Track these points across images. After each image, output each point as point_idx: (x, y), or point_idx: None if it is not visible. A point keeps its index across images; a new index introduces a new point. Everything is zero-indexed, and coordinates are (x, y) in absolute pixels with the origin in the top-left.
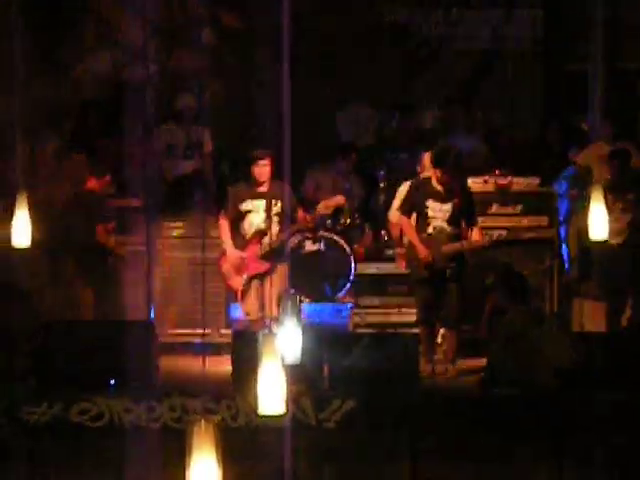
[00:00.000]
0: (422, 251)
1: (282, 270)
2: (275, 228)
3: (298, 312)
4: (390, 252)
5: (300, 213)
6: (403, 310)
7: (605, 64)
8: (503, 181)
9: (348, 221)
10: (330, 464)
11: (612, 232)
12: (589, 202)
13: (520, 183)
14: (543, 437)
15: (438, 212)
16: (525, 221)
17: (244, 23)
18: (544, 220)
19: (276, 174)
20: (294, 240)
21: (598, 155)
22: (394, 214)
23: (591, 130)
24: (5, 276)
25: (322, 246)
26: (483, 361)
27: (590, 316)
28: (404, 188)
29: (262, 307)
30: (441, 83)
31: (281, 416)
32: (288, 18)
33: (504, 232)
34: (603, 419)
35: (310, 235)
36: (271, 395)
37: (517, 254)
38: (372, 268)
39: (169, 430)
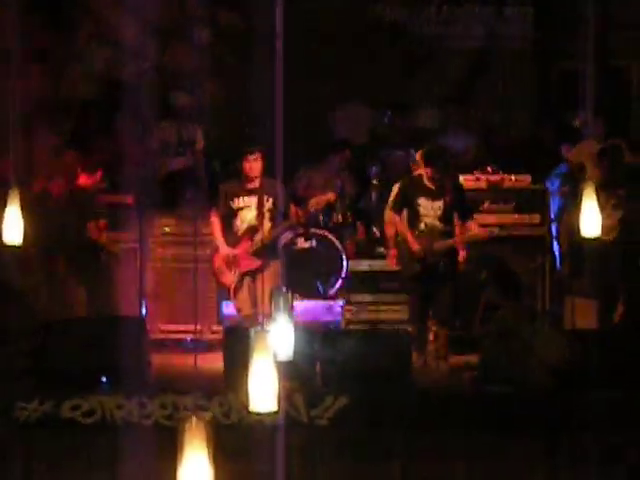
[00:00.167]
0: (414, 245)
1: (274, 267)
2: (267, 225)
3: (290, 309)
4: (382, 249)
5: (292, 209)
6: (395, 307)
7: (597, 61)
8: (495, 178)
9: (340, 218)
10: (322, 462)
11: (603, 229)
12: (581, 199)
13: (512, 180)
14: (536, 435)
15: (429, 209)
16: (517, 218)
17: (242, 22)
18: (536, 217)
19: (268, 171)
20: (286, 237)
21: (590, 152)
22: (388, 212)
23: (583, 127)
24: None
25: (314, 243)
26: (475, 358)
27: (581, 313)
28: (397, 186)
29: (254, 304)
30: (435, 82)
31: (273, 413)
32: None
33: (496, 229)
34: (596, 416)
35: (302, 232)
36: (263, 392)
37: (509, 251)
38: (364, 265)
39: (161, 427)
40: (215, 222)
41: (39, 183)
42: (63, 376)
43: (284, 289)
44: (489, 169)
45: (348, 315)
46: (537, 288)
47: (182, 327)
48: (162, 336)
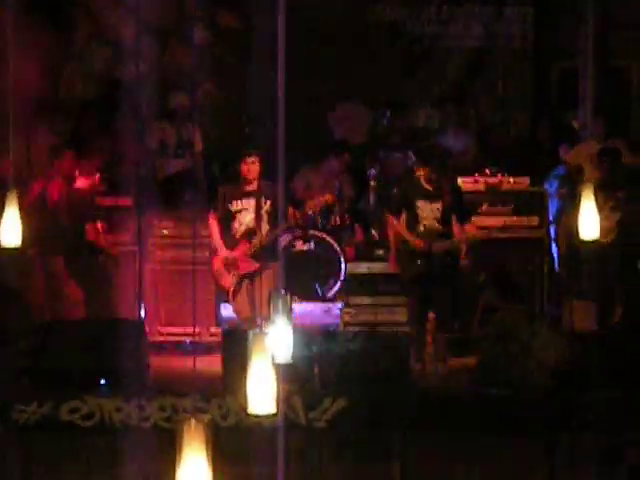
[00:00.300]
0: (417, 242)
1: (272, 269)
2: (265, 227)
3: (289, 311)
4: (380, 252)
5: (290, 211)
6: (393, 309)
7: (596, 62)
8: (493, 180)
9: (338, 220)
10: (321, 464)
11: (602, 231)
12: (579, 201)
13: (510, 182)
14: (535, 436)
15: (428, 211)
16: (515, 220)
17: (242, 22)
18: (534, 219)
19: (267, 172)
20: (285, 239)
21: (588, 153)
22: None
23: (582, 128)
24: None
25: (312, 245)
26: (474, 360)
27: (580, 315)
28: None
29: (253, 306)
30: (434, 82)
31: (272, 415)
32: (282, 17)
33: (494, 231)
34: (594, 418)
35: (300, 234)
36: (261, 394)
37: (507, 253)
38: (362, 267)
39: (159, 429)
40: (213, 224)
41: (37, 184)
42: (61, 378)
43: (283, 291)
44: (487, 171)
45: (347, 317)
46: (535, 290)
47: (181, 329)
48: (161, 338)
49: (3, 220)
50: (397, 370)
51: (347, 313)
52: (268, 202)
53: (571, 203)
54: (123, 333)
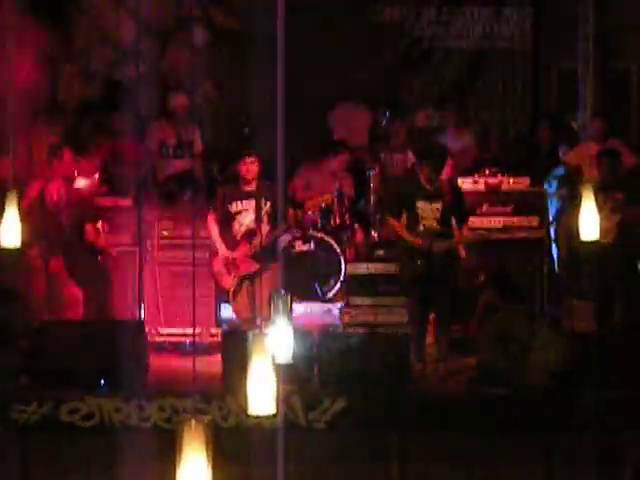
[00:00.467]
0: (417, 241)
1: (273, 270)
2: (265, 228)
3: (289, 312)
4: (380, 252)
5: (290, 211)
6: (393, 310)
7: (596, 62)
8: (493, 181)
9: (338, 221)
10: (320, 464)
11: (601, 231)
12: (579, 202)
13: (510, 183)
14: (534, 436)
15: (428, 212)
16: (515, 221)
17: (241, 23)
18: (534, 220)
19: (267, 172)
20: (285, 240)
21: (588, 154)
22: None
23: (581, 129)
24: None
25: (312, 246)
26: (474, 360)
27: (580, 315)
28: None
29: (253, 307)
30: (434, 82)
31: (271, 416)
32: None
33: (494, 232)
34: (594, 418)
35: (300, 235)
36: (261, 395)
37: (507, 254)
38: (362, 268)
39: (159, 430)
40: (213, 225)
41: (37, 184)
42: (61, 378)
43: (283, 292)
44: (487, 172)
45: (347, 318)
46: (535, 290)
47: (181, 330)
48: (161, 339)
49: (3, 220)
50: (397, 370)
51: (347, 313)
52: (268, 203)
53: (571, 204)
54: (123, 334)
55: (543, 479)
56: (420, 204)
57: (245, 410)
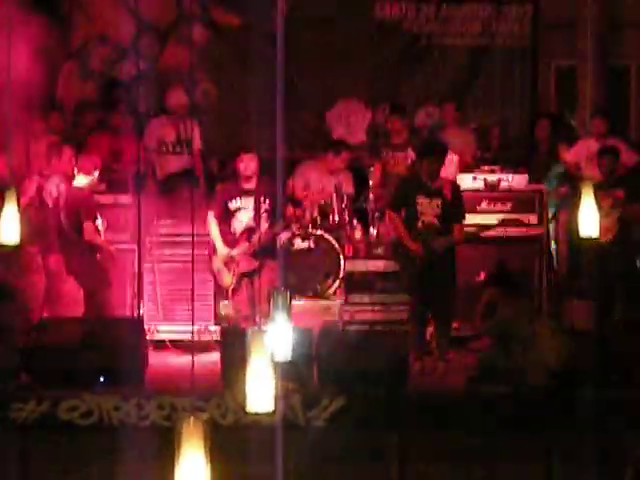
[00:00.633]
0: (412, 245)
1: (272, 267)
2: (264, 225)
3: (288, 309)
4: (379, 250)
5: (289, 209)
6: (393, 307)
7: (595, 60)
8: (492, 178)
9: (338, 219)
10: (319, 463)
11: (601, 229)
12: (579, 199)
13: (509, 180)
14: (535, 435)
15: (427, 208)
16: (514, 218)
17: (240, 21)
18: (533, 217)
19: (266, 170)
20: (284, 238)
21: (587, 152)
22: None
23: (580, 126)
24: None
25: (312, 244)
26: (474, 358)
27: (580, 313)
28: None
29: (252, 304)
30: (433, 80)
31: (270, 414)
32: (282, 16)
33: (493, 229)
34: (594, 417)
35: (300, 233)
36: (260, 393)
37: (507, 251)
38: (362, 265)
39: (158, 428)
40: (212, 223)
41: (36, 182)
42: (60, 376)
43: (282, 289)
44: (486, 169)
45: (346, 316)
46: (535, 288)
47: (180, 327)
48: (160, 336)
49: (2, 218)
50: (396, 368)
51: (346, 311)
52: (267, 200)
53: (570, 201)
54: (122, 331)
55: (543, 478)
56: (420, 200)
57: (244, 408)
